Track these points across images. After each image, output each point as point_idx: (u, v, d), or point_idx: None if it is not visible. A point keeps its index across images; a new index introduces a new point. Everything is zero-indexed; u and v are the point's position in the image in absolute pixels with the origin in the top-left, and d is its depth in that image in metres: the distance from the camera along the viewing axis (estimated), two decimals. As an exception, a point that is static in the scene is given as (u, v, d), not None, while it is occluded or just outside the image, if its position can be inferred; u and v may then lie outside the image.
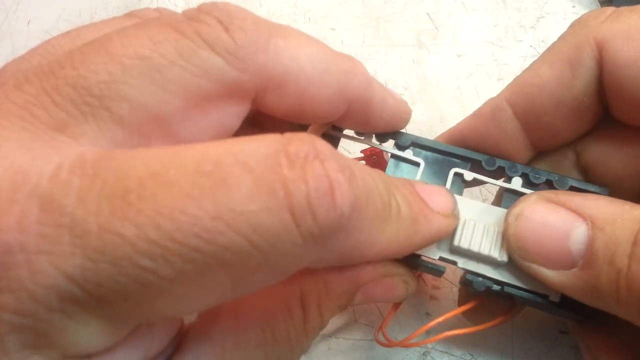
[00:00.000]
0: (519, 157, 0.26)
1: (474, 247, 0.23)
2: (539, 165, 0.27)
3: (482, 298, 0.25)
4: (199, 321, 0.21)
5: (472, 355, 0.30)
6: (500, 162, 0.25)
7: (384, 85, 0.39)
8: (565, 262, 0.21)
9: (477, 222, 0.23)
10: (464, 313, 0.26)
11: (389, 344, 0.26)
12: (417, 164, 0.26)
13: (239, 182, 0.14)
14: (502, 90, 0.25)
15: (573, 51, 0.23)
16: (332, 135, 0.25)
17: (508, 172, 0.25)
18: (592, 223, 0.20)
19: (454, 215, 0.23)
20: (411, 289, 0.24)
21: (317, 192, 0.15)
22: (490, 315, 0.25)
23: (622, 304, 0.19)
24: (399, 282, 0.24)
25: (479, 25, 0.41)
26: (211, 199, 0.14)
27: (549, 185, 0.24)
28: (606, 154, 0.25)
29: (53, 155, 0.15)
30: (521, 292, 0.23)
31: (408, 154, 0.26)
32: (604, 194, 0.24)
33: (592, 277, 0.20)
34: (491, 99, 0.26)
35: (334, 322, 0.30)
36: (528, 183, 0.25)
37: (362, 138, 0.26)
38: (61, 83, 0.16)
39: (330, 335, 0.31)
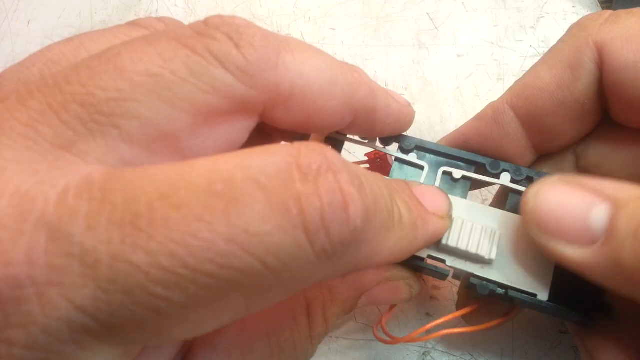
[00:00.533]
0: (521, 160, 0.26)
1: (462, 246, 0.23)
2: (539, 168, 0.27)
3: (481, 302, 0.25)
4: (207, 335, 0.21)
5: (472, 355, 0.30)
6: (504, 165, 0.25)
7: (385, 85, 0.39)
8: (585, 237, 0.20)
9: (465, 220, 0.23)
10: (463, 316, 0.26)
11: (392, 341, 0.26)
12: (421, 168, 0.26)
13: (251, 201, 0.14)
14: (504, 94, 0.26)
15: (573, 54, 0.23)
16: (335, 138, 0.25)
17: (513, 176, 0.25)
18: (613, 202, 0.20)
19: (449, 216, 0.23)
20: (415, 291, 0.24)
21: (331, 207, 0.14)
22: (488, 318, 0.25)
23: None
24: (403, 285, 0.24)
25: (479, 25, 0.41)
26: (224, 221, 0.14)
27: None
28: (606, 156, 0.25)
29: (59, 178, 0.15)
30: (514, 292, 0.23)
31: (412, 157, 0.26)
32: None
33: (615, 251, 0.19)
34: (493, 102, 0.26)
35: (334, 322, 0.30)
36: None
37: (367, 142, 0.26)
38: (68, 99, 0.16)
39: (330, 336, 0.31)
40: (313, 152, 0.15)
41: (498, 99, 0.26)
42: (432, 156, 0.26)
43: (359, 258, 0.17)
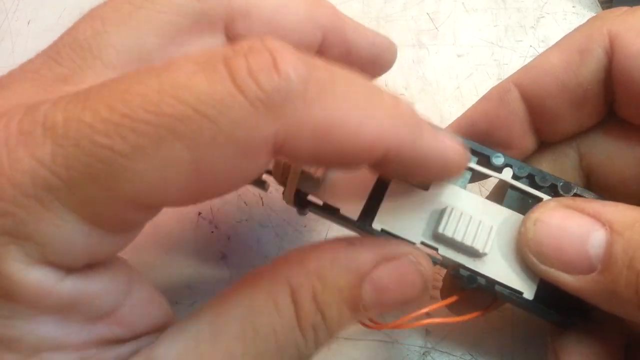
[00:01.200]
0: (523, 143, 0.26)
1: (457, 237, 0.23)
2: (539, 163, 0.27)
3: (465, 292, 0.25)
4: (183, 318, 0.20)
5: (472, 356, 0.30)
6: (508, 160, 0.25)
7: (385, 86, 0.39)
8: (584, 266, 0.21)
9: (464, 212, 0.23)
10: (447, 305, 0.26)
11: (376, 326, 0.25)
12: None
13: (182, 65, 0.16)
14: (511, 74, 0.26)
15: (584, 40, 0.24)
16: None
17: (515, 172, 0.25)
18: (610, 227, 0.20)
19: (467, 156, 0.22)
20: (426, 270, 0.21)
21: (256, 63, 0.15)
22: (470, 307, 0.25)
23: None
24: (407, 263, 0.21)
25: (479, 25, 0.41)
26: (156, 78, 0.15)
27: (553, 189, 0.24)
28: (611, 156, 0.25)
29: (51, 95, 0.17)
30: (501, 287, 0.23)
31: None
32: None
33: (611, 281, 0.20)
34: (499, 83, 0.26)
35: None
36: (533, 185, 0.25)
37: None
38: (60, 47, 0.20)
39: (330, 335, 0.31)
40: (251, 38, 0.16)
41: (504, 80, 0.26)
42: None
43: (324, 119, 0.16)
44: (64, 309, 0.17)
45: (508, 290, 0.23)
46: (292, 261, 0.20)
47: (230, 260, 0.33)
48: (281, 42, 0.16)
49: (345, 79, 0.17)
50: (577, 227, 0.21)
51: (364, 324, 0.25)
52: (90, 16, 0.21)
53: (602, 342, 0.23)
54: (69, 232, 0.16)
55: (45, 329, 0.17)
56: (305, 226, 0.34)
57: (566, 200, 0.23)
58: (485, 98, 0.27)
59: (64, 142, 0.15)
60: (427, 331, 0.31)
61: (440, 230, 0.23)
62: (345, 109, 0.17)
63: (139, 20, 0.20)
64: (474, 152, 0.25)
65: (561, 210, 0.22)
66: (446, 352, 0.30)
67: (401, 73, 0.40)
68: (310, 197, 0.24)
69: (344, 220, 0.24)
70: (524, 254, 0.22)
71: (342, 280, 0.20)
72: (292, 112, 0.16)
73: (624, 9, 0.24)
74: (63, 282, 0.17)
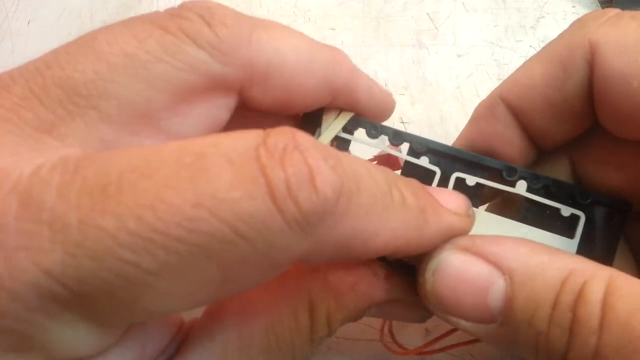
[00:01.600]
0: (525, 153, 0.25)
1: None
2: (537, 171, 0.26)
3: None
4: (202, 320, 0.21)
5: (472, 356, 0.30)
6: (521, 172, 0.24)
7: (385, 85, 0.39)
8: (484, 317, 0.20)
9: (477, 235, 0.22)
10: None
11: (403, 352, 0.25)
12: (433, 173, 0.24)
13: (219, 171, 0.14)
14: (495, 89, 0.25)
15: (566, 51, 0.23)
16: (343, 138, 0.24)
17: (529, 184, 0.24)
18: (510, 278, 0.19)
19: (468, 215, 0.22)
20: (429, 315, 0.23)
21: (295, 178, 0.14)
22: None
23: None
24: (414, 305, 0.23)
25: (479, 25, 0.41)
26: (191, 187, 0.14)
27: (572, 199, 0.24)
28: (599, 166, 0.24)
29: (37, 158, 0.15)
30: None
31: (424, 161, 0.24)
32: (627, 209, 0.23)
33: (511, 335, 0.19)
34: (482, 101, 0.25)
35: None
36: (549, 195, 0.24)
37: (375, 141, 0.24)
38: (48, 83, 0.16)
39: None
40: (282, 133, 0.15)
41: (488, 96, 0.25)
42: (445, 160, 0.24)
43: (346, 235, 0.17)
44: None
45: None
46: (318, 270, 0.21)
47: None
48: (312, 140, 0.16)
49: (366, 185, 0.17)
50: (476, 277, 0.20)
51: (390, 349, 0.26)
52: (95, 52, 0.17)
53: None
54: (77, 336, 0.15)
55: None
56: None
57: (463, 241, 0.21)
58: (476, 118, 0.26)
59: (78, 252, 0.13)
60: (427, 331, 0.31)
61: None
62: (364, 221, 0.17)
63: (154, 75, 0.17)
64: (483, 167, 0.24)
65: (460, 256, 0.20)
66: (446, 352, 0.30)
67: (401, 73, 0.40)
68: None
69: None
70: (424, 301, 0.21)
71: (355, 304, 0.21)
72: (322, 232, 0.15)
73: (611, 13, 0.23)
74: None
